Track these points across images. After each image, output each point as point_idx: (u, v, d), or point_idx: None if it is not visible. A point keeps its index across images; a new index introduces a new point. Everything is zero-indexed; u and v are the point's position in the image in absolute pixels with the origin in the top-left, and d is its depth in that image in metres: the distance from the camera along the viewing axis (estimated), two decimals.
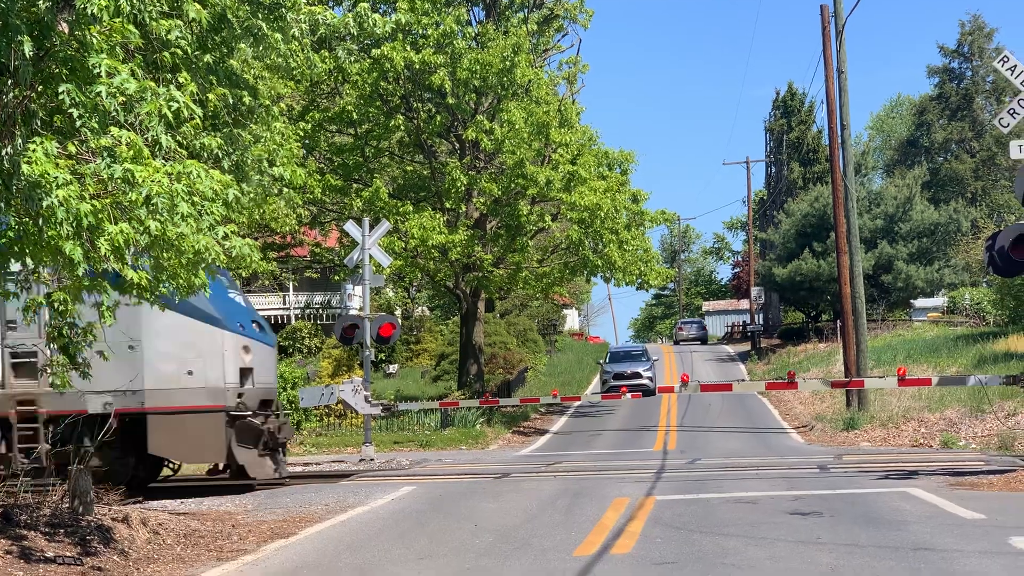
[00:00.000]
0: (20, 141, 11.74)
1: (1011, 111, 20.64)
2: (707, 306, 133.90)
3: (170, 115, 11.60)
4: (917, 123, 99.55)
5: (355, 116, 39.93)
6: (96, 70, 11.53)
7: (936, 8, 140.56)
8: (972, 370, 38.31)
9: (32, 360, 21.52)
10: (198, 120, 12.50)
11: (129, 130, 11.59)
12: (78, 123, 11.57)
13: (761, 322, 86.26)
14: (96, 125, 11.57)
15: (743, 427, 39.78)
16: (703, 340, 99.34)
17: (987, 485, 18.47)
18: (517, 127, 38.04)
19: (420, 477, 23.99)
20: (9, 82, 11.91)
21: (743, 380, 56.76)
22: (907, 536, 13.70)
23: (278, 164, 16.05)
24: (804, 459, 25.46)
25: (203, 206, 12.41)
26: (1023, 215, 42.57)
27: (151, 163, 11.64)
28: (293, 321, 65.40)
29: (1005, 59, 20.72)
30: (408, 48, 37.38)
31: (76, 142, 12.25)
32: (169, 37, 12.65)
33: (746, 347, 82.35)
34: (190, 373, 21.66)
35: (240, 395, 21.99)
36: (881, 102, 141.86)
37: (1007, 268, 19.92)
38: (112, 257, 12.04)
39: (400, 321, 54.23)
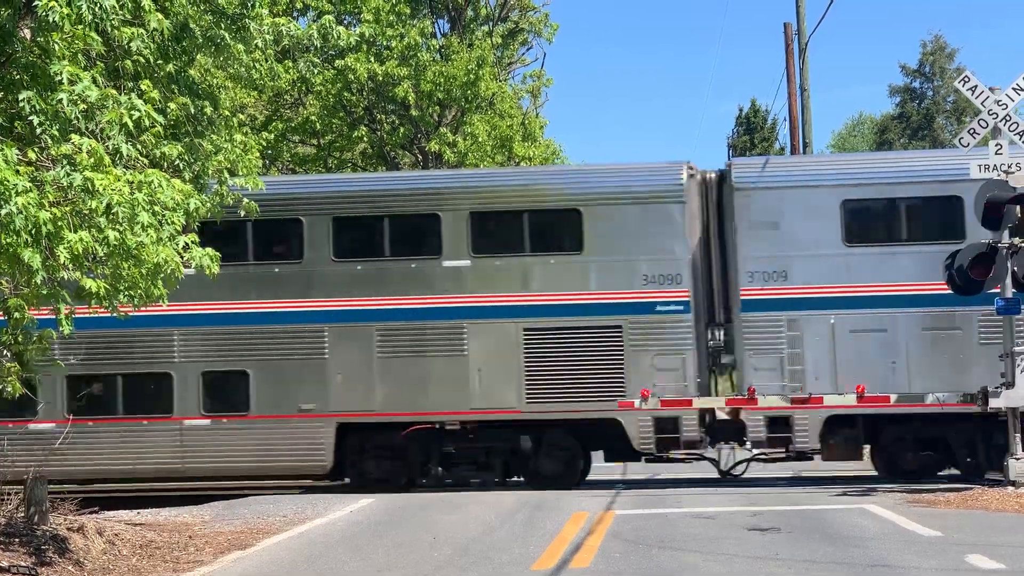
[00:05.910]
0: None
1: (971, 131, 20.78)
2: None
3: (131, 123, 11.56)
4: (878, 142, 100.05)
5: (318, 127, 39.75)
6: (58, 77, 11.48)
7: (898, 28, 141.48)
8: None
9: None
10: (159, 129, 12.45)
11: (90, 138, 11.52)
12: (38, 130, 11.51)
13: None
14: (57, 132, 11.51)
15: None
16: None
17: (944, 503, 18.56)
18: (480, 140, 37.94)
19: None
20: None
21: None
22: (864, 553, 13.75)
23: (240, 175, 15.99)
24: (762, 474, 25.51)
25: (164, 216, 12.35)
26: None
27: (112, 171, 11.57)
28: None
29: (966, 79, 20.88)
30: (372, 60, 37.26)
31: (36, 149, 12.17)
32: (131, 45, 12.59)
33: None
34: None
35: None
36: (843, 120, 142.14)
37: (966, 287, 20.03)
38: (71, 265, 11.96)
39: None
